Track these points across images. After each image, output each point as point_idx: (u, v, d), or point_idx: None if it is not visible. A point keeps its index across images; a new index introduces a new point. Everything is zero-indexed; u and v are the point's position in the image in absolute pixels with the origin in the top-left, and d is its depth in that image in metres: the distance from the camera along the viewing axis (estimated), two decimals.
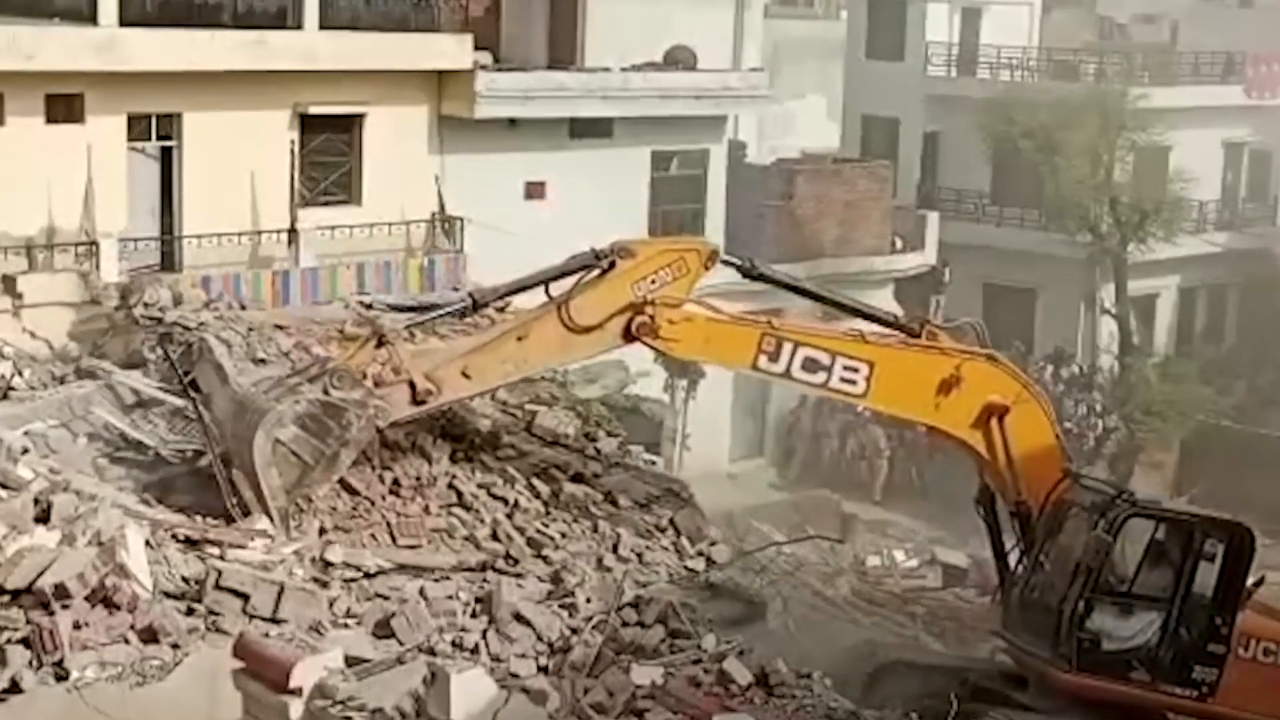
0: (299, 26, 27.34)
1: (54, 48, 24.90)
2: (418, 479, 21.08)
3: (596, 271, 19.99)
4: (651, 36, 32.43)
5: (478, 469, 21.75)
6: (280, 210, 26.95)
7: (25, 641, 16.41)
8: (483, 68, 29.53)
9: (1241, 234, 45.57)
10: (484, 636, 18.49)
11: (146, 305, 24.07)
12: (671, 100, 32.20)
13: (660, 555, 21.31)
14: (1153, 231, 39.36)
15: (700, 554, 21.68)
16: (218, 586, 17.79)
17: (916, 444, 34.49)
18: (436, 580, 19.51)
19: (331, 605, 18.39)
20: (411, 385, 19.62)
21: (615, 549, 21.04)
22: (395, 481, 20.95)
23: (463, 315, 21.13)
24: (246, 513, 19.34)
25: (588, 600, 19.45)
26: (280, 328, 23.67)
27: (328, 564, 19.11)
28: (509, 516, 21.15)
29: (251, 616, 17.60)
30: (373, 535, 20.09)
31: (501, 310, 21.97)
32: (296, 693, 15.47)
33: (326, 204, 28.16)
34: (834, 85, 42.81)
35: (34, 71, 24.60)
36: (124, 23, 25.53)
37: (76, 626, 16.54)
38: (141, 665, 16.59)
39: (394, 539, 20.20)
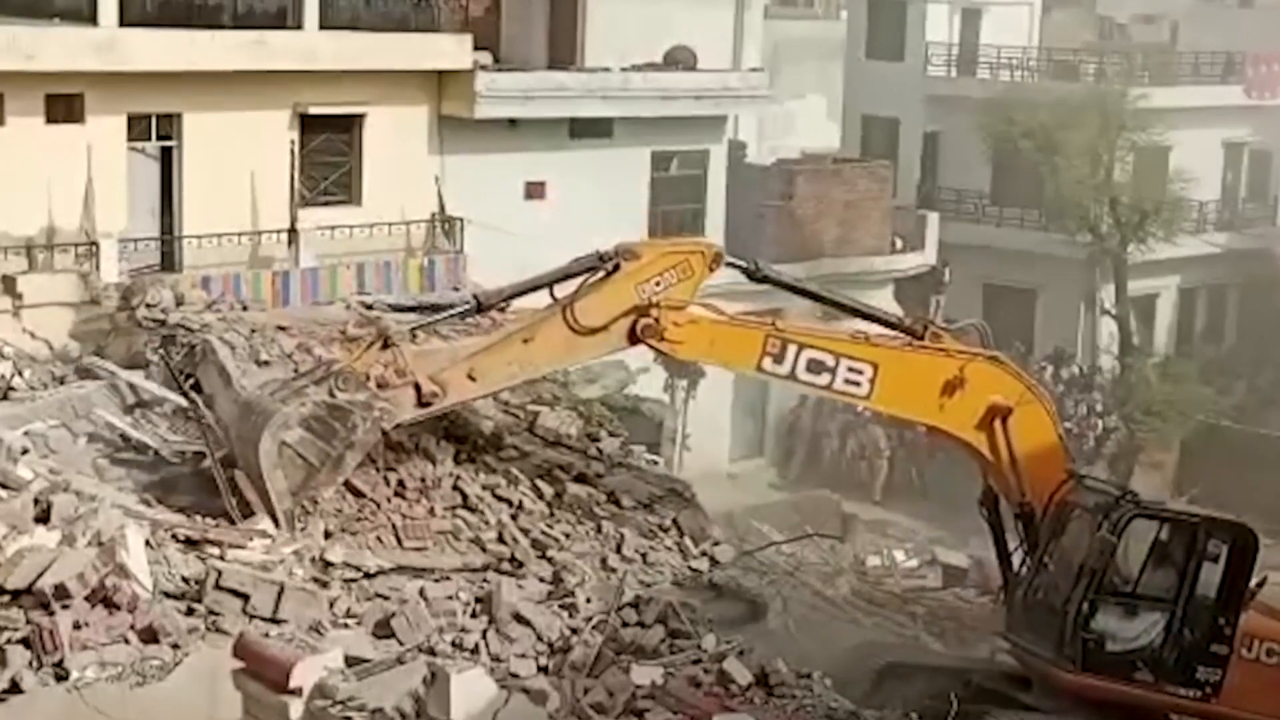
0: (299, 26, 27.31)
1: (54, 48, 24.87)
2: (422, 480, 21.05)
3: (601, 274, 19.96)
4: (651, 36, 32.40)
5: (481, 470, 21.73)
6: (280, 210, 26.92)
7: (25, 641, 16.41)
8: (483, 68, 29.50)
9: (1241, 234, 45.54)
10: (484, 636, 18.48)
11: (149, 307, 24.03)
12: (671, 100, 32.16)
13: (664, 555, 21.31)
14: (1153, 231, 39.35)
15: (704, 554, 21.68)
16: (218, 586, 17.79)
17: (916, 444, 34.48)
18: (436, 580, 19.49)
19: (331, 605, 18.39)
20: (417, 387, 19.60)
21: (619, 549, 21.03)
22: (400, 483, 20.91)
23: (463, 317, 21.11)
24: (248, 514, 19.32)
25: (588, 600, 19.44)
26: (283, 329, 23.62)
27: (328, 564, 19.09)
28: (514, 518, 21.12)
29: (251, 616, 17.59)
30: (379, 538, 20.05)
31: (502, 311, 21.93)
32: (296, 693, 15.47)
33: (326, 204, 28.13)
34: (834, 85, 42.72)
35: (34, 71, 24.57)
36: (124, 23, 25.51)
37: (76, 626, 16.54)
38: (141, 665, 16.59)
39: (400, 541, 20.15)
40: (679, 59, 32.72)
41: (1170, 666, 18.10)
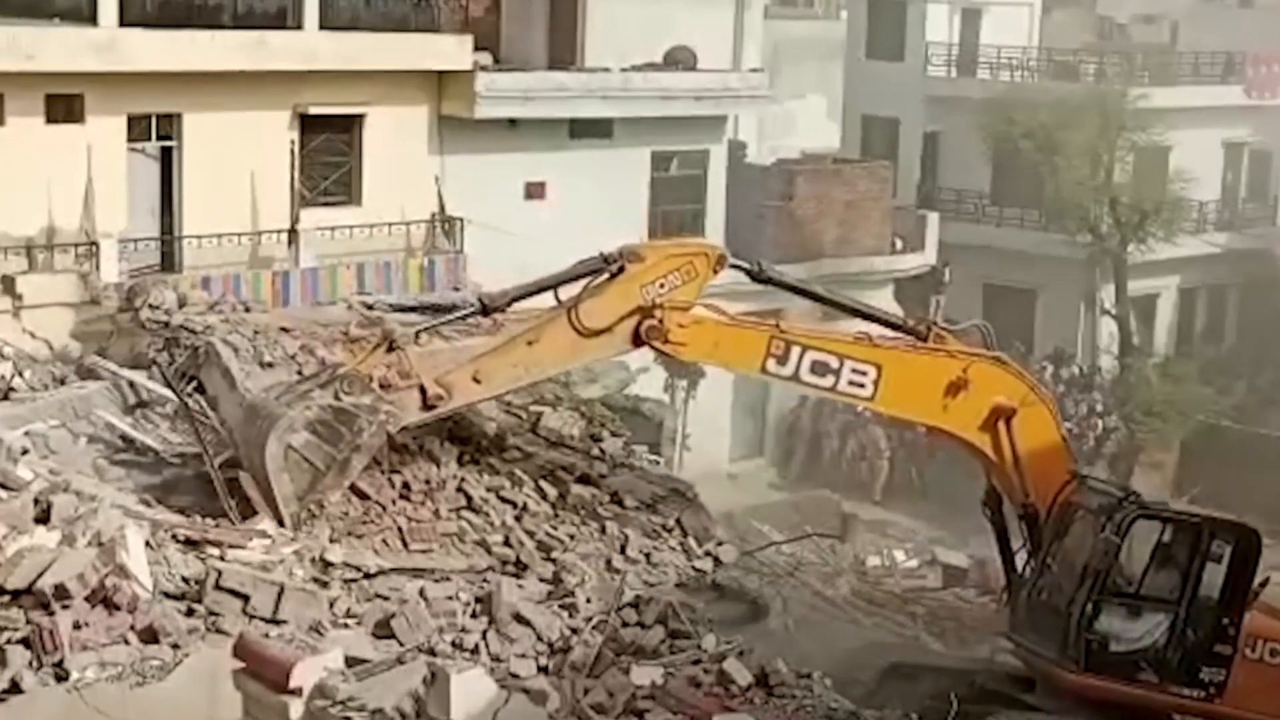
0: (299, 27, 27.31)
1: (54, 48, 24.86)
2: (427, 483, 21.01)
3: (605, 276, 19.94)
4: (651, 37, 32.41)
5: (485, 471, 21.69)
6: (280, 210, 26.92)
7: (25, 642, 16.36)
8: (483, 68, 29.49)
9: (1241, 234, 45.54)
10: (484, 637, 18.43)
11: (152, 308, 24.00)
12: (671, 100, 32.16)
13: (668, 556, 21.28)
14: (1153, 232, 39.36)
15: (708, 554, 21.65)
16: (218, 587, 17.73)
17: (916, 444, 34.50)
18: (436, 580, 19.46)
19: (331, 605, 18.33)
20: (422, 390, 19.56)
21: (623, 550, 21.00)
22: (405, 485, 20.86)
23: (464, 319, 21.08)
24: (248, 515, 19.28)
25: (588, 600, 19.41)
26: (286, 330, 23.58)
27: (328, 564, 19.04)
28: (518, 520, 21.09)
29: (251, 617, 17.53)
30: (384, 540, 20.01)
31: (503, 313, 21.90)
32: (296, 693, 15.44)
33: (326, 204, 28.13)
34: (834, 85, 42.70)
35: (34, 72, 24.56)
36: (124, 23, 25.50)
37: (76, 627, 16.49)
38: (141, 665, 16.54)
39: (405, 544, 20.12)
40: (679, 59, 32.71)
41: (1174, 667, 18.08)
